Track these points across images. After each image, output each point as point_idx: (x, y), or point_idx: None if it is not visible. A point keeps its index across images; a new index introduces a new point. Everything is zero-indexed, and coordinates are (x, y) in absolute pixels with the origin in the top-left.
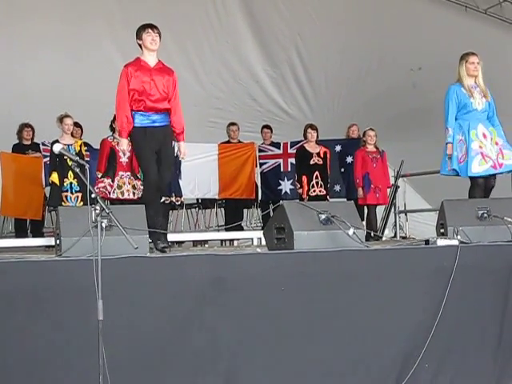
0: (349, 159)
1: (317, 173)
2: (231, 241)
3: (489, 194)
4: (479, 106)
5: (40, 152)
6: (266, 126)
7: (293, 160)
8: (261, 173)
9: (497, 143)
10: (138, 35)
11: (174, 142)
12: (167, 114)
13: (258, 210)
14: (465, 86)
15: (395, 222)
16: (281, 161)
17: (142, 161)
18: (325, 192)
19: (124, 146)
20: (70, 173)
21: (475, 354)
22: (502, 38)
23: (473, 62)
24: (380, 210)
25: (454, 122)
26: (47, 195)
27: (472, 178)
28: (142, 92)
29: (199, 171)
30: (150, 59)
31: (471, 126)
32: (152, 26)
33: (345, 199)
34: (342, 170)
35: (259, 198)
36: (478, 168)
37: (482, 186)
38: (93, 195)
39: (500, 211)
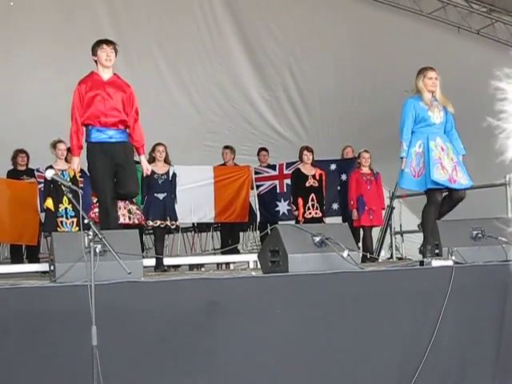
0: (343, 177)
1: (312, 195)
2: (227, 264)
3: (455, 205)
4: (437, 120)
5: (35, 177)
6: (264, 149)
7: (289, 181)
8: (258, 195)
9: (452, 159)
10: (93, 51)
11: (170, 167)
12: (125, 130)
13: (256, 232)
14: (425, 98)
15: (391, 243)
16: (277, 182)
17: (97, 177)
18: (321, 214)
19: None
20: (65, 198)
21: (473, 372)
22: (495, 58)
23: (431, 77)
24: (376, 232)
25: (410, 136)
26: (43, 221)
27: (431, 193)
28: (97, 106)
29: (195, 195)
30: (105, 75)
31: (430, 138)
32: (107, 42)
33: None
34: (339, 187)
35: (258, 219)
36: (439, 175)
37: (438, 205)
38: (86, 220)
39: (494, 231)
